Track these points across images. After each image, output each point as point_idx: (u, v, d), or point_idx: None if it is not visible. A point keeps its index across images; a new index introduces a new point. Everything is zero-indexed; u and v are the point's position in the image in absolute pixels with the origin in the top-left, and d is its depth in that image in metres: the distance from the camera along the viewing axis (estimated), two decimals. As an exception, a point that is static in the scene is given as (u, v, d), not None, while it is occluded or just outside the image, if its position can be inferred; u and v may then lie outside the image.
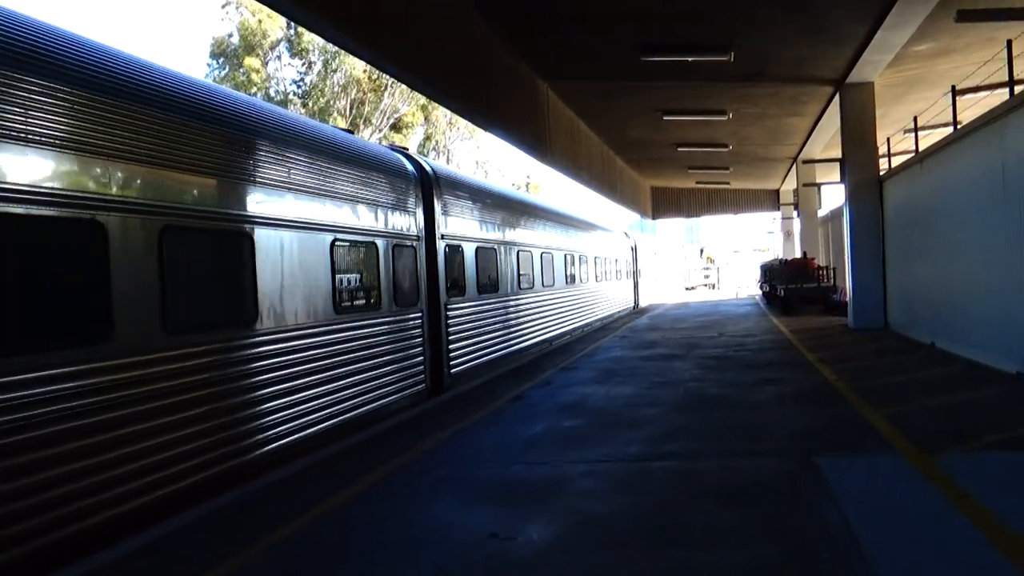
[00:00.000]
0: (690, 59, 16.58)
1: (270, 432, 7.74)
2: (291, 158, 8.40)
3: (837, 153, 21.25)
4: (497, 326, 15.37)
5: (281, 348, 8.03)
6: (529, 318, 17.73)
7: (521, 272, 17.05)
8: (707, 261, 77.00)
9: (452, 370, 12.75)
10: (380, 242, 10.45)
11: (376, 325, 10.23)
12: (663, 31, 15.49)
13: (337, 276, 9.21)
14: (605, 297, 28.11)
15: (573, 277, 22.62)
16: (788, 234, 41.36)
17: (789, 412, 9.07)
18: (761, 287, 41.11)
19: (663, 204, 45.62)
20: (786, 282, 26.92)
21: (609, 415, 9.45)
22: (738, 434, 7.99)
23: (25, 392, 5.09)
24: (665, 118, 23.19)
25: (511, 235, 16.47)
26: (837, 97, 19.79)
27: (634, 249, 36.79)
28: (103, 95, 5.93)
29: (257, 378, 7.58)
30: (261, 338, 7.69)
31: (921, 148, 16.34)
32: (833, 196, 35.60)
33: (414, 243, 11.56)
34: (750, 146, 28.99)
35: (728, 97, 21.23)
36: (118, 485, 5.77)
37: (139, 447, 6.00)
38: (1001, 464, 6.36)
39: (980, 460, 6.48)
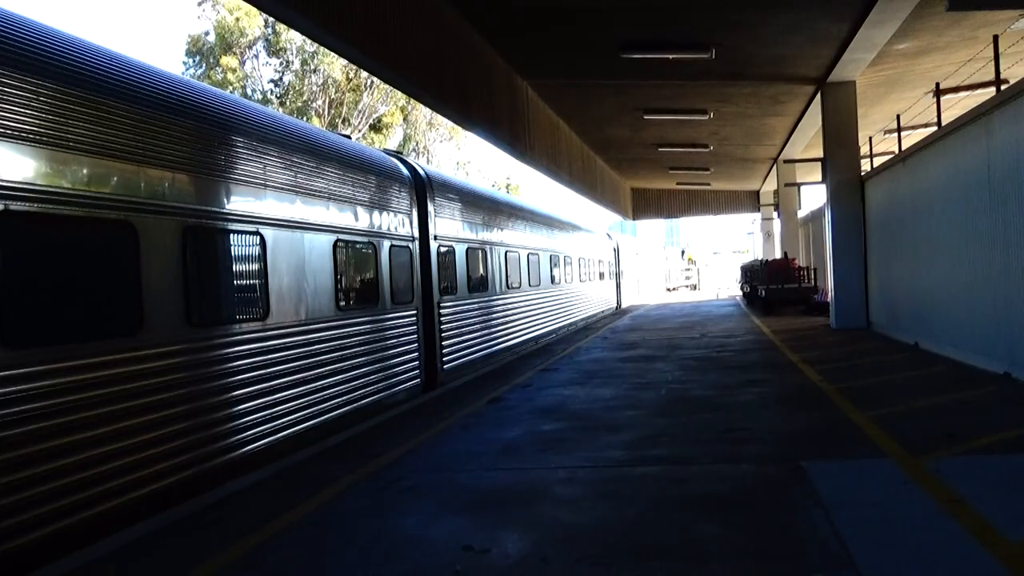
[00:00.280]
0: (671, 57, 16.37)
1: (280, 421, 8.18)
2: (299, 163, 8.93)
3: (816, 153, 21.19)
4: (486, 325, 15.81)
5: (289, 342, 8.49)
6: (516, 317, 18.20)
7: (509, 273, 17.52)
8: (688, 262, 77.08)
9: (445, 366, 13.24)
10: (378, 243, 10.96)
11: (374, 322, 10.71)
12: (643, 28, 15.26)
13: (338, 275, 9.71)
14: (589, 297, 28.51)
15: (558, 277, 23.08)
16: (768, 235, 41.34)
17: (774, 414, 8.84)
18: (742, 288, 41.09)
19: (643, 205, 45.45)
20: (767, 283, 26.84)
21: (590, 418, 9.18)
22: (723, 438, 7.75)
23: (71, 379, 5.55)
24: (646, 117, 22.99)
25: (499, 236, 16.93)
26: (819, 96, 19.68)
27: (616, 250, 37.11)
28: (142, 106, 6.49)
29: (268, 370, 8.05)
30: (271, 332, 8.18)
31: (903, 148, 16.22)
32: (813, 197, 35.60)
33: (409, 244, 12.09)
34: (730, 146, 28.87)
35: (709, 96, 21.06)
36: (150, 465, 6.24)
37: (166, 431, 6.46)
38: (993, 467, 6.15)
39: (971, 464, 6.27)
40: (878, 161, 19.41)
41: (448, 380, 13.27)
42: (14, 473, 5.07)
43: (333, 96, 44.59)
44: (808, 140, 26.67)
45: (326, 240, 9.47)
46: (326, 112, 44.43)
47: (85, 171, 5.83)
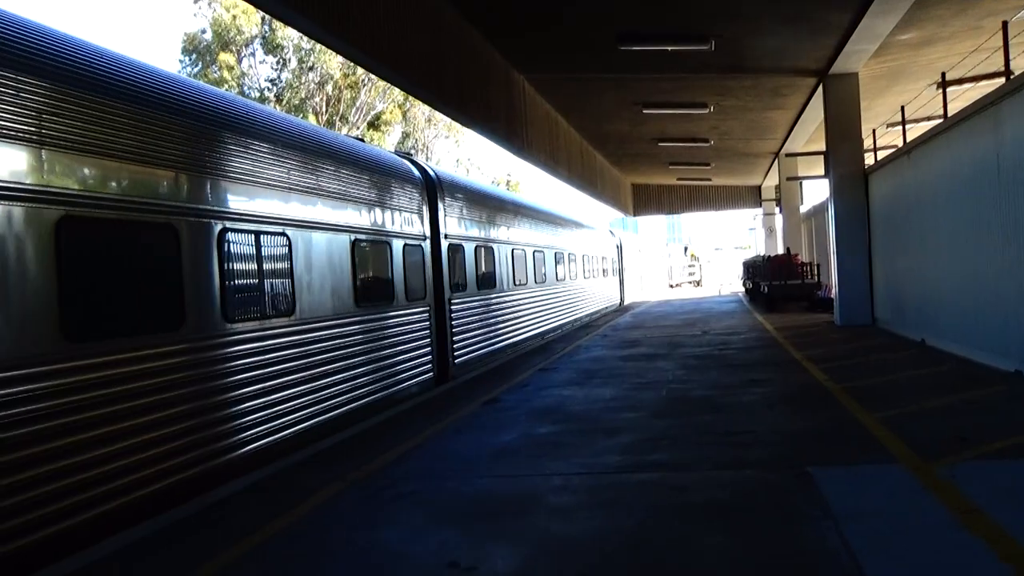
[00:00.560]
0: (669, 48, 16.03)
1: (305, 412, 8.62)
2: (320, 167, 9.44)
3: (818, 147, 20.85)
4: (495, 321, 16.25)
5: (312, 337, 8.95)
6: (523, 314, 18.60)
7: (515, 270, 17.94)
8: (691, 258, 76.76)
9: (456, 360, 13.74)
10: (393, 242, 11.42)
11: (390, 318, 11.19)
12: (642, 20, 14.94)
13: (356, 273, 10.14)
14: (593, 294, 28.77)
15: (563, 275, 23.43)
16: (770, 230, 40.99)
17: (779, 416, 8.54)
18: (744, 284, 40.76)
19: (644, 201, 45.06)
20: (770, 279, 26.50)
21: (588, 420, 8.89)
22: (725, 441, 7.44)
23: (122, 370, 6.01)
24: (645, 111, 22.63)
25: (506, 234, 17.34)
26: (820, 89, 19.35)
27: (619, 247, 37.28)
28: (185, 118, 7.01)
29: (295, 363, 8.50)
30: (297, 327, 8.63)
31: (907, 140, 15.90)
32: (815, 191, 35.27)
33: (421, 242, 12.56)
34: (731, 141, 28.53)
35: (709, 90, 20.73)
36: (193, 449, 6.73)
37: (205, 419, 6.92)
38: (1009, 473, 5.85)
39: (986, 469, 5.95)
40: (881, 155, 19.10)
41: (459, 374, 13.70)
42: (79, 455, 5.53)
43: (331, 93, 44.29)
44: (810, 134, 26.34)
45: (345, 240, 9.92)
46: (324, 110, 44.13)
47: (132, 178, 6.33)
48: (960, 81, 16.98)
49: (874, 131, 20.88)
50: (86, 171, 5.85)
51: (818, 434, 7.56)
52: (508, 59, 17.67)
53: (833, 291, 20.00)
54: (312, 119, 41.15)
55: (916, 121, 19.37)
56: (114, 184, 6.12)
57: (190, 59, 44.38)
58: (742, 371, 12.06)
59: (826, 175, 19.32)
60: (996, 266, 10.46)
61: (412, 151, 46.91)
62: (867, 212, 17.98)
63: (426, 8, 13.13)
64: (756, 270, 32.44)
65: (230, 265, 7.44)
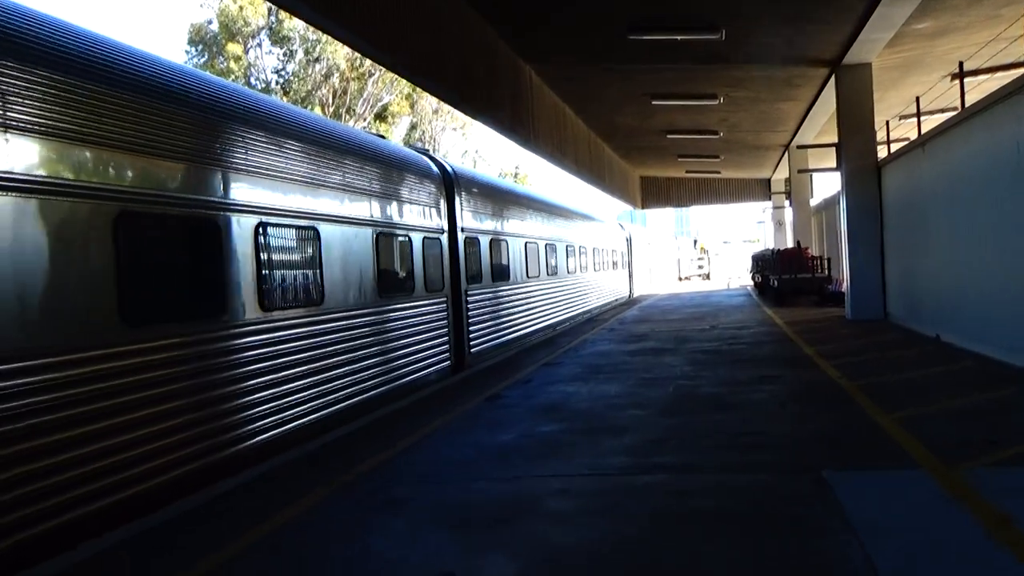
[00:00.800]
0: (679, 38, 15.65)
1: (333, 396, 9.08)
2: (346, 164, 9.83)
3: (829, 140, 20.44)
4: (508, 312, 16.67)
5: (340, 326, 9.38)
6: (535, 306, 18.98)
7: (528, 263, 18.33)
8: (700, 252, 76.31)
9: (472, 350, 14.11)
10: (413, 235, 11.80)
11: (410, 308, 11.57)
12: (651, 8, 14.55)
13: (379, 265, 10.54)
14: (603, 287, 29.09)
15: (574, 267, 23.72)
16: (779, 224, 40.54)
17: (791, 415, 8.20)
18: (753, 278, 40.33)
19: (652, 194, 44.63)
20: (779, 272, 26.12)
21: (592, 418, 8.56)
22: (735, 442, 7.10)
23: (173, 353, 6.46)
24: (654, 103, 22.24)
25: (520, 228, 17.66)
26: (832, 80, 18.92)
27: (629, 240, 37.25)
28: (229, 120, 7.50)
29: (323, 350, 8.94)
30: (326, 316, 9.08)
31: (922, 132, 15.48)
32: (826, 184, 34.79)
33: (439, 236, 12.94)
34: (741, 133, 28.09)
35: (719, 81, 20.31)
36: (237, 428, 7.25)
37: (246, 400, 7.41)
38: (1039, 479, 5.50)
39: (1017, 476, 5.60)
40: (895, 147, 18.67)
41: (475, 363, 14.06)
42: (135, 431, 5.98)
43: (337, 85, 43.93)
44: (820, 126, 25.89)
45: (369, 233, 10.32)
46: (330, 101, 43.79)
47: (181, 176, 6.75)
48: (976, 72, 16.55)
49: (887, 123, 20.43)
50: (140, 170, 6.28)
51: (833, 435, 7.21)
52: (515, 49, 17.30)
53: (844, 285, 19.61)
54: (318, 111, 40.84)
55: (930, 113, 18.92)
56: (165, 181, 6.56)
57: (196, 50, 44.16)
58: (752, 367, 11.71)
59: (838, 168, 18.91)
60: (1018, 262, 10.07)
61: (419, 143, 46.65)
62: (880, 205, 17.57)
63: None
64: (765, 263, 32.03)
65: (265, 257, 7.89)
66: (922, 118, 17.07)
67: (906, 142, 17.07)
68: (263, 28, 43.67)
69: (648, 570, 4.35)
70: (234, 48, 42.63)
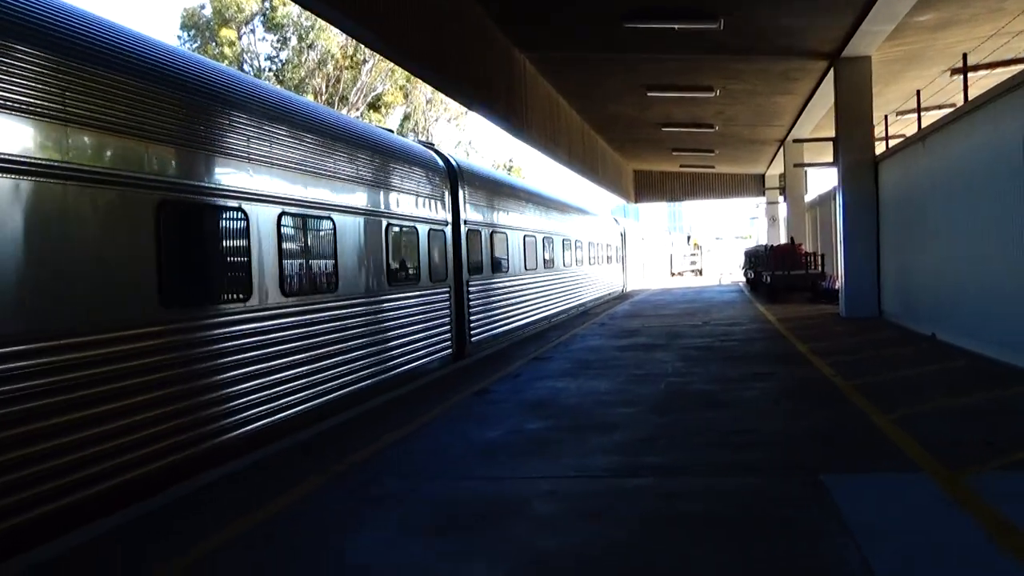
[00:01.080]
0: (676, 27, 15.35)
1: (350, 377, 9.59)
2: (360, 157, 10.23)
3: (824, 135, 20.18)
4: (507, 303, 17.06)
5: (353, 312, 9.86)
6: (533, 297, 19.37)
7: (527, 255, 18.74)
8: (694, 247, 76.37)
9: (473, 338, 14.48)
10: (420, 227, 12.19)
11: (417, 297, 12.00)
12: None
13: (389, 255, 10.96)
14: (598, 280, 29.61)
15: (569, 261, 24.15)
16: (773, 219, 40.31)
17: (785, 414, 7.98)
18: (745, 274, 40.14)
19: (646, 188, 44.33)
20: (772, 269, 25.91)
21: (581, 415, 8.32)
22: (727, 442, 6.87)
23: (204, 334, 6.94)
24: (649, 94, 21.96)
25: (519, 221, 18.10)
26: (831, 74, 18.68)
27: (623, 235, 37.54)
28: (254, 116, 7.86)
29: (340, 333, 9.44)
30: (340, 302, 9.52)
31: (922, 126, 15.25)
32: (820, 181, 34.61)
33: (444, 228, 13.32)
34: (736, 127, 27.84)
35: (715, 73, 20.05)
36: (265, 404, 7.74)
37: (270, 379, 7.88)
38: (1043, 485, 5.28)
39: (1018, 480, 5.39)
40: (892, 143, 18.44)
41: (474, 351, 14.40)
42: (176, 403, 6.48)
43: (331, 73, 43.48)
44: (816, 121, 25.66)
45: (381, 224, 10.76)
46: (324, 89, 43.33)
47: (215, 167, 7.17)
48: (977, 67, 16.31)
49: (886, 117, 20.19)
50: (179, 161, 6.70)
51: (828, 435, 6.99)
52: (509, 36, 16.99)
53: (838, 282, 19.41)
54: (312, 98, 40.42)
55: (928, 109, 18.69)
56: (201, 172, 6.95)
57: (189, 35, 43.71)
58: (744, 364, 11.49)
59: (835, 162, 18.67)
60: (1019, 259, 9.86)
61: (412, 133, 46.25)
62: (876, 201, 17.36)
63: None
64: (758, 259, 31.83)
65: (286, 245, 8.31)
66: (922, 114, 16.83)
67: (903, 138, 16.84)
68: (257, 14, 43.26)
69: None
70: (228, 33, 42.20)
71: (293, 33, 43.05)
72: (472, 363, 13.16)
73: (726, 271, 62.41)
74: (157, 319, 6.32)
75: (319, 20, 33.35)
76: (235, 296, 7.47)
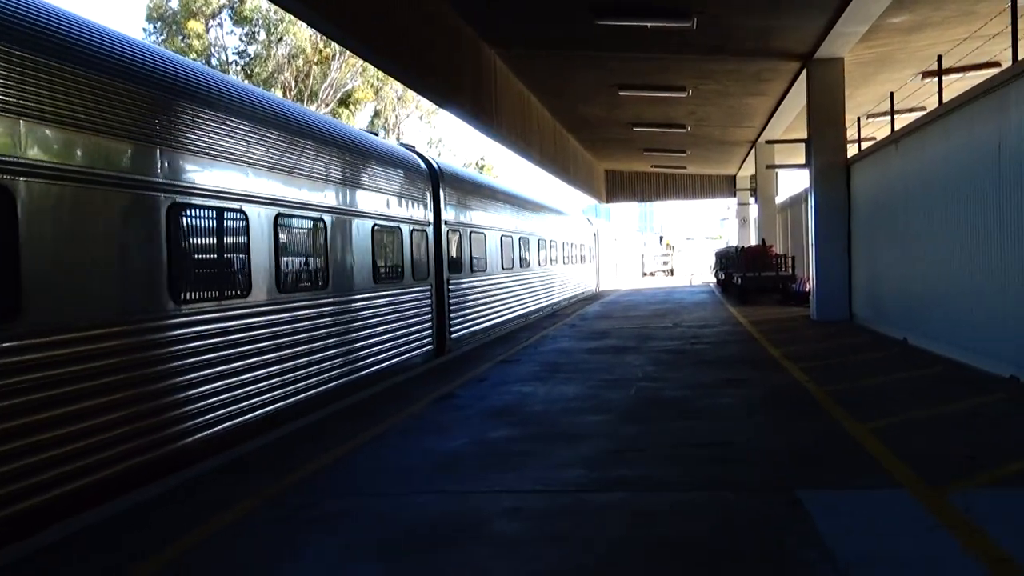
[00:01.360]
0: (648, 24, 15.08)
1: (338, 371, 10.00)
2: (348, 161, 10.63)
3: (796, 138, 20.03)
4: (485, 301, 17.48)
5: (342, 308, 10.29)
6: (510, 296, 19.87)
7: (504, 255, 19.23)
8: (666, 248, 76.75)
9: (452, 335, 14.93)
10: (404, 227, 12.62)
11: (401, 294, 12.40)
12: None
13: (376, 254, 11.37)
14: (572, 280, 30.23)
15: (544, 260, 24.75)
16: (744, 221, 40.37)
17: (759, 424, 7.71)
18: (716, 275, 40.12)
19: (618, 188, 44.16)
20: (743, 270, 25.81)
21: (548, 423, 7.97)
22: (700, 454, 6.56)
23: (210, 327, 7.35)
24: (621, 93, 21.69)
25: (496, 221, 18.55)
26: (803, 75, 18.54)
27: (596, 235, 37.88)
28: (255, 123, 8.34)
29: (329, 329, 9.86)
30: (331, 299, 9.97)
31: (895, 129, 15.11)
32: (791, 183, 34.64)
33: (426, 228, 13.76)
34: (708, 127, 27.70)
35: (688, 72, 19.83)
36: (263, 394, 8.20)
37: (266, 371, 8.29)
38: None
39: (1007, 499, 5.12)
40: (864, 145, 18.33)
41: (454, 348, 14.83)
42: (186, 391, 6.96)
43: (300, 67, 42.76)
44: (788, 123, 25.60)
45: (368, 224, 11.15)
46: (293, 85, 42.60)
47: (219, 171, 7.57)
48: (950, 71, 16.22)
49: (858, 120, 20.11)
50: (189, 165, 7.11)
51: (804, 448, 6.71)
52: (477, 30, 16.61)
53: (809, 284, 19.28)
54: (280, 94, 39.73)
55: (901, 112, 18.60)
56: (207, 176, 7.35)
57: (155, 27, 42.79)
58: (716, 369, 11.23)
59: (806, 164, 18.53)
60: (993, 264, 9.69)
61: (381, 130, 45.66)
62: (848, 203, 17.24)
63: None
64: (729, 261, 31.76)
65: (282, 244, 8.73)
66: (894, 117, 16.72)
67: (875, 141, 16.71)
68: (224, 7, 42.46)
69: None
70: (195, 25, 41.38)
71: (262, 27, 42.30)
72: (451, 360, 13.55)
73: (697, 272, 62.63)
74: (168, 313, 6.80)
75: (288, 14, 32.69)
76: (237, 291, 7.92)
